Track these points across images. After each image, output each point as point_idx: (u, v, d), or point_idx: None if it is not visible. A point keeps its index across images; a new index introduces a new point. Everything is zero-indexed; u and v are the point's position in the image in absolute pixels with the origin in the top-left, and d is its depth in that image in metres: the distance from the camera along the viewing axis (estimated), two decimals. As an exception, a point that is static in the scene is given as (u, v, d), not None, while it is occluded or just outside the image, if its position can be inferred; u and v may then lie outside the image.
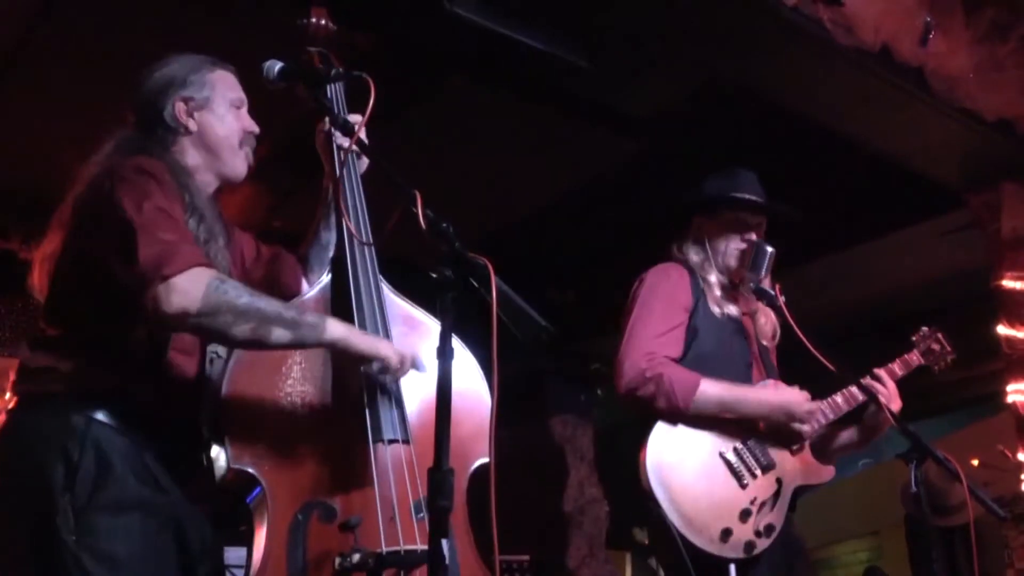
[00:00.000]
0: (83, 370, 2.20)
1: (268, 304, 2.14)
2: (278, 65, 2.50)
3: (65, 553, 2.04)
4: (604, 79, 4.73)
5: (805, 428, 3.14)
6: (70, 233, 2.28)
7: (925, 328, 3.53)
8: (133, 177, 2.20)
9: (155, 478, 2.19)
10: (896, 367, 3.38)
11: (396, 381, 2.31)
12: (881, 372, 3.31)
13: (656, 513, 2.93)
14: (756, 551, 3.00)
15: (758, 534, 3.01)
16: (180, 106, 2.42)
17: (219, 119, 2.45)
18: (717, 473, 3.03)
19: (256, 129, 2.53)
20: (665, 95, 5.12)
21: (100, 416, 2.16)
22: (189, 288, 2.05)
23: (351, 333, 2.24)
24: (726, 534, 2.95)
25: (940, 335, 3.51)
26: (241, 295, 2.11)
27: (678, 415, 3.02)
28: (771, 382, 3.24)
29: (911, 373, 3.43)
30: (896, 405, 3.21)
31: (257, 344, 2.16)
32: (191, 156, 2.43)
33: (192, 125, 2.43)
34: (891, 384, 3.28)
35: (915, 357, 3.45)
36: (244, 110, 2.52)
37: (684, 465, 3.01)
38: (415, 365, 2.31)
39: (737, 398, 3.08)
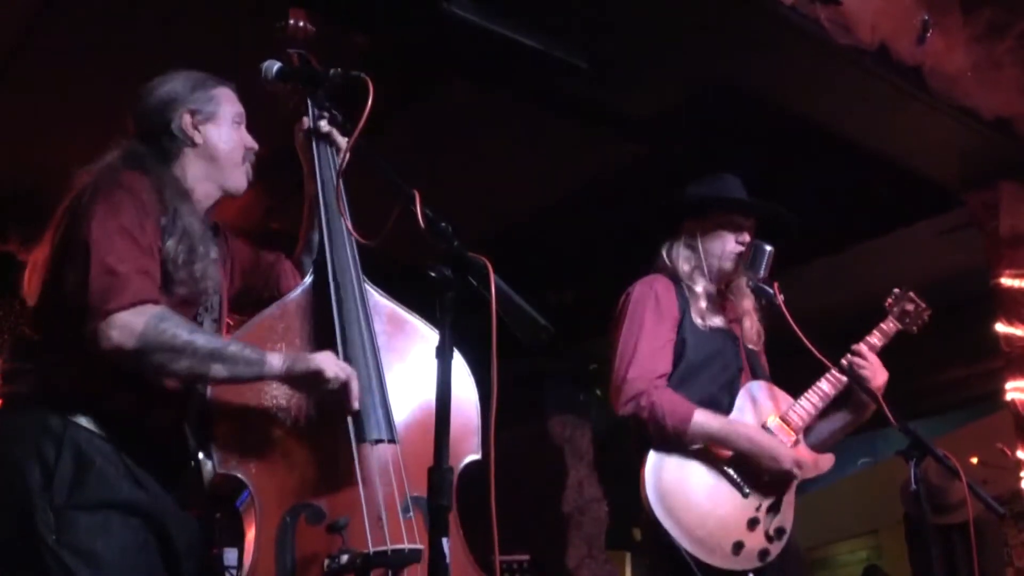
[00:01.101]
0: (62, 375, 2.22)
1: (208, 342, 2.17)
2: (276, 65, 2.50)
3: (45, 552, 2.06)
4: (603, 80, 4.73)
5: (793, 474, 3.08)
6: (56, 239, 2.29)
7: (896, 290, 3.45)
8: (111, 192, 2.23)
9: (136, 478, 2.20)
10: (875, 339, 3.31)
11: (347, 396, 2.27)
12: (860, 347, 3.24)
13: (666, 541, 2.91)
14: (771, 557, 2.98)
15: (769, 539, 2.99)
16: (187, 118, 2.43)
17: (223, 133, 2.47)
18: (718, 488, 3.01)
19: (255, 146, 2.54)
20: (664, 96, 5.12)
21: (78, 420, 2.18)
22: (126, 326, 2.09)
23: (291, 361, 2.24)
24: (738, 547, 2.94)
25: (912, 294, 3.43)
26: (179, 334, 2.13)
27: (668, 441, 3.00)
28: (757, 387, 3.21)
29: (890, 342, 3.34)
30: (882, 377, 3.18)
31: (196, 380, 2.21)
32: (194, 168, 2.44)
33: (198, 138, 2.44)
34: (872, 357, 3.22)
35: (891, 324, 3.37)
36: (243, 126, 2.54)
37: (684, 487, 2.99)
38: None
39: (727, 435, 3.04)
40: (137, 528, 2.17)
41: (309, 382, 2.25)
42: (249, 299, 2.65)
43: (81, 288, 2.12)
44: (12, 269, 5.36)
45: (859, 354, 3.22)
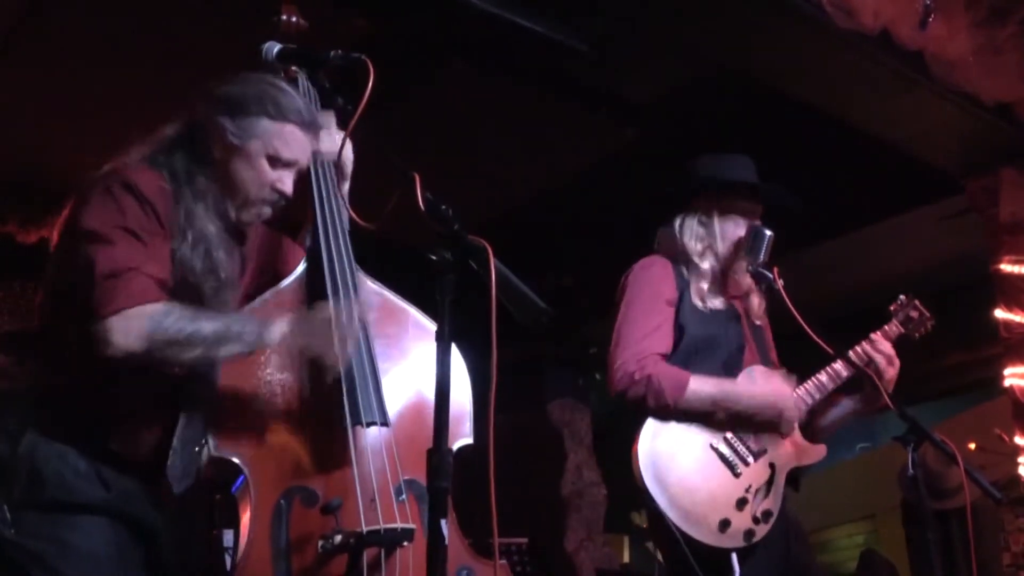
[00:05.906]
0: (45, 374, 2.25)
1: (212, 328, 2.18)
2: (276, 47, 2.49)
3: (7, 547, 2.09)
4: (604, 63, 4.72)
5: (793, 421, 3.12)
6: (62, 232, 2.31)
7: (902, 296, 3.46)
8: (116, 192, 2.21)
9: (99, 475, 2.21)
10: (877, 338, 3.29)
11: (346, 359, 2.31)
12: (869, 343, 3.24)
13: (653, 509, 2.93)
14: (755, 538, 2.99)
15: (756, 521, 3.01)
16: (221, 134, 2.35)
17: (244, 167, 2.37)
18: (710, 465, 3.03)
19: (285, 190, 2.41)
20: (665, 80, 5.12)
21: (43, 414, 2.20)
22: (129, 329, 2.09)
23: (291, 328, 2.26)
24: (724, 524, 2.96)
25: (917, 302, 3.44)
26: (183, 327, 2.14)
27: (668, 412, 3.02)
28: (758, 371, 3.20)
29: (894, 344, 3.33)
30: (895, 368, 3.19)
31: (210, 361, 2.24)
32: (208, 178, 2.37)
33: (218, 153, 2.37)
34: (887, 346, 3.22)
35: (895, 327, 3.37)
36: (281, 170, 2.39)
37: (677, 459, 3.00)
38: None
39: (727, 394, 3.06)
40: (103, 526, 2.19)
41: (304, 357, 2.29)
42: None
43: (81, 290, 2.13)
44: (11, 251, 5.37)
45: (873, 343, 3.22)
